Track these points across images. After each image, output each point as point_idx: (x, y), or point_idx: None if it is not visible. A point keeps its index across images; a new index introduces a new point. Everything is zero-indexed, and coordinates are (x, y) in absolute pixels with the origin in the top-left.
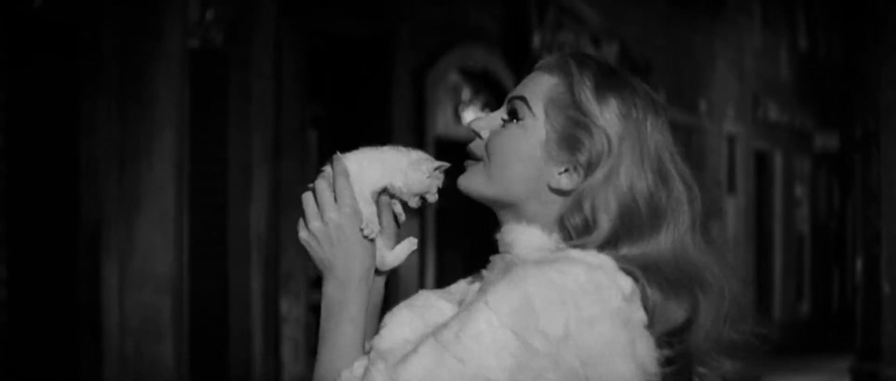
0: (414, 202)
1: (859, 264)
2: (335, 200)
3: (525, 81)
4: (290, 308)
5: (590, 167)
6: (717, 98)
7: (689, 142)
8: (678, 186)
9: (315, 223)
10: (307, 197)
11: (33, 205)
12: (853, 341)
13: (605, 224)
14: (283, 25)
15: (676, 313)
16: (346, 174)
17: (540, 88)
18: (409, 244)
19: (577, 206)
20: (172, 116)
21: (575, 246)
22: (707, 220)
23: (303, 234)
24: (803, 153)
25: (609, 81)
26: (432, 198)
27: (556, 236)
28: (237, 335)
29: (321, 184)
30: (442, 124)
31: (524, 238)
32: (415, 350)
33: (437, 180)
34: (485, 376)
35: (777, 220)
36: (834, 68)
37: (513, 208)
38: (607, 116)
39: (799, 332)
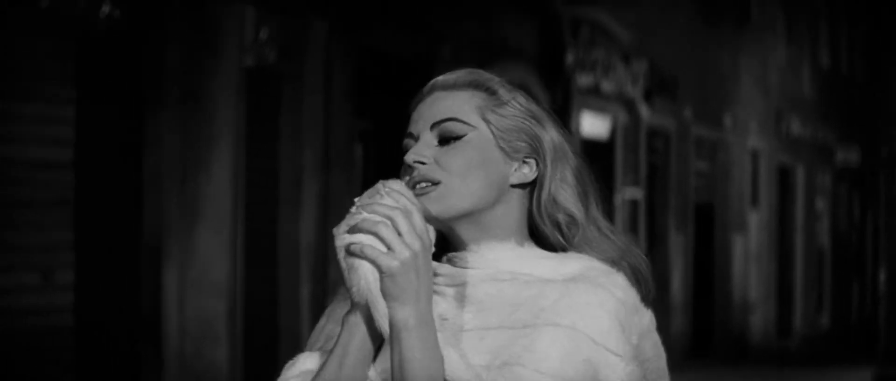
0: None
1: (882, 275)
2: (415, 227)
3: (432, 105)
4: None
5: (539, 155)
6: (741, 113)
7: (714, 156)
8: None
9: (406, 254)
10: (383, 227)
11: (100, 215)
12: (873, 351)
13: (576, 205)
14: (333, 44)
15: (638, 266)
16: (416, 206)
17: (460, 104)
18: None
19: (551, 199)
20: (229, 130)
21: (560, 246)
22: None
23: (395, 265)
24: (825, 168)
25: (502, 81)
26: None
27: (528, 244)
28: (287, 338)
29: (381, 225)
30: None
31: (507, 253)
32: None
33: None
34: None
35: (798, 233)
36: (855, 85)
37: (480, 221)
38: (524, 103)
39: (819, 343)
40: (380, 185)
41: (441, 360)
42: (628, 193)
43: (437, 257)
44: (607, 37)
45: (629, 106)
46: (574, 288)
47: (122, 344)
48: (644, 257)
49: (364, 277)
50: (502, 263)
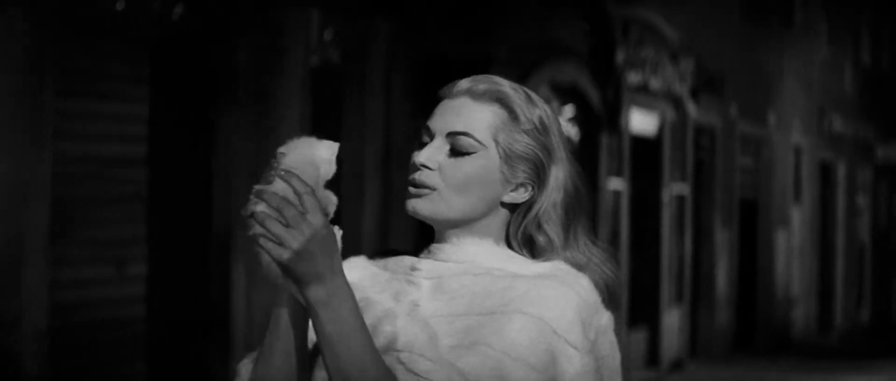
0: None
1: None
2: (303, 213)
3: (456, 111)
4: None
5: (539, 178)
6: (785, 111)
7: (758, 153)
8: (578, 173)
9: (298, 241)
10: (273, 223)
11: (172, 210)
12: None
13: (560, 233)
14: (395, 46)
15: (603, 280)
16: (306, 185)
17: (479, 119)
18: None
19: (536, 224)
20: (296, 128)
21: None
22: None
23: (285, 256)
24: (865, 164)
25: (529, 97)
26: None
27: (502, 245)
28: None
29: (284, 205)
30: None
31: (484, 251)
32: (492, 364)
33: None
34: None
35: (839, 229)
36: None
37: (468, 224)
38: (542, 128)
39: (859, 338)
40: (274, 161)
41: (362, 327)
42: (675, 188)
43: (420, 244)
44: (656, 36)
45: (677, 103)
46: (542, 283)
47: (192, 333)
48: (613, 268)
49: (266, 263)
50: (479, 258)
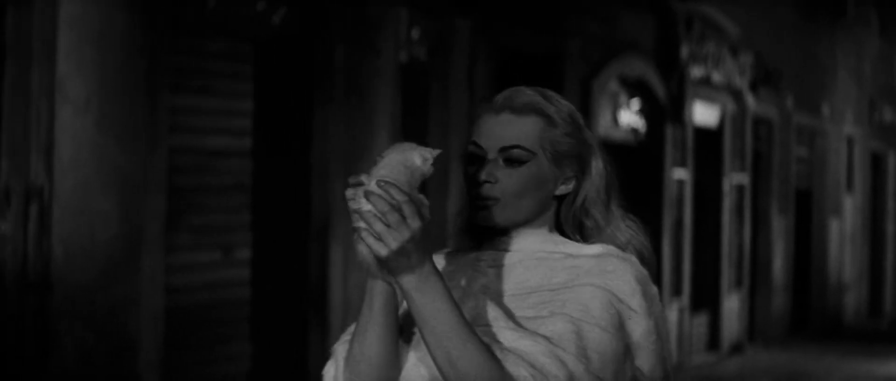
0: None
1: None
2: (404, 217)
3: (503, 127)
4: None
5: (582, 169)
6: (837, 102)
7: (812, 143)
8: (612, 166)
9: (397, 242)
10: (375, 221)
11: (274, 198)
12: None
13: (603, 215)
14: (476, 42)
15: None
16: (400, 190)
17: (525, 130)
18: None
19: (583, 210)
20: (387, 122)
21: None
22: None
23: (384, 252)
24: None
25: (557, 101)
26: (426, 176)
27: (554, 231)
28: None
29: (385, 207)
30: (603, 127)
31: (539, 238)
32: (573, 332)
33: (432, 166)
34: (626, 341)
35: (890, 218)
36: None
37: (529, 221)
38: (576, 127)
39: None
40: (376, 161)
41: (454, 305)
42: (735, 178)
43: (481, 238)
44: (717, 31)
45: (736, 96)
46: (604, 260)
47: (292, 314)
48: (646, 243)
49: (364, 253)
50: (536, 245)
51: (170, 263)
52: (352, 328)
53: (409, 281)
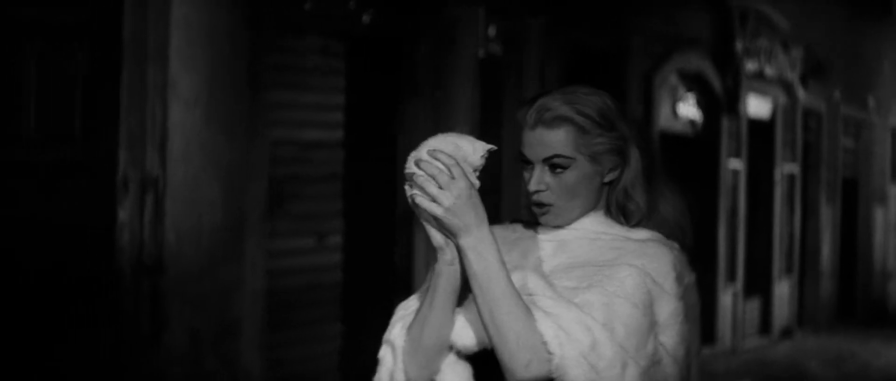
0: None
1: None
2: (453, 177)
3: (538, 142)
4: None
5: (623, 158)
6: (883, 95)
7: (859, 135)
8: (651, 145)
9: (449, 200)
10: (430, 184)
11: (363, 187)
12: None
13: (643, 198)
14: (547, 39)
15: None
16: (455, 161)
17: (559, 140)
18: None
19: (626, 195)
20: (466, 115)
21: (635, 225)
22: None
23: (440, 211)
24: None
25: (585, 103)
26: (479, 170)
27: (606, 215)
28: None
29: (437, 171)
30: (663, 119)
31: (596, 220)
32: (604, 303)
33: (483, 158)
34: (653, 318)
35: None
36: None
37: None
38: (605, 123)
39: None
40: (425, 146)
41: (503, 268)
42: (786, 168)
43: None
44: (770, 26)
45: (787, 89)
46: (646, 244)
47: (380, 296)
48: (685, 221)
49: (425, 218)
50: (592, 226)
51: (270, 248)
52: (404, 311)
53: (465, 240)
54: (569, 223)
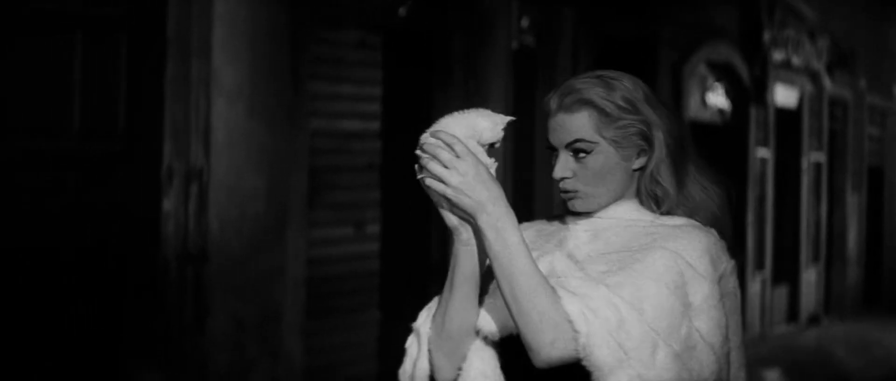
0: (497, 145)
1: None
2: (457, 155)
3: (560, 128)
4: None
5: (649, 144)
6: None
7: (884, 123)
8: (677, 120)
9: (456, 178)
10: (432, 164)
11: (401, 177)
12: None
13: (672, 183)
14: (579, 30)
15: (721, 229)
16: (457, 138)
17: (581, 125)
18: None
19: (654, 181)
20: (500, 106)
21: (661, 210)
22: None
23: (449, 191)
24: None
25: (606, 86)
26: (499, 143)
27: (638, 202)
28: None
29: (440, 152)
30: (693, 109)
31: (629, 208)
32: (630, 281)
33: (500, 127)
34: (686, 300)
35: None
36: None
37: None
38: (629, 107)
39: None
40: (435, 127)
41: (522, 244)
42: (813, 157)
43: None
44: (796, 17)
45: (814, 78)
46: (680, 229)
47: (417, 284)
48: (719, 206)
49: (434, 197)
50: (627, 213)
51: (310, 237)
52: (434, 302)
53: (482, 219)
54: (599, 209)
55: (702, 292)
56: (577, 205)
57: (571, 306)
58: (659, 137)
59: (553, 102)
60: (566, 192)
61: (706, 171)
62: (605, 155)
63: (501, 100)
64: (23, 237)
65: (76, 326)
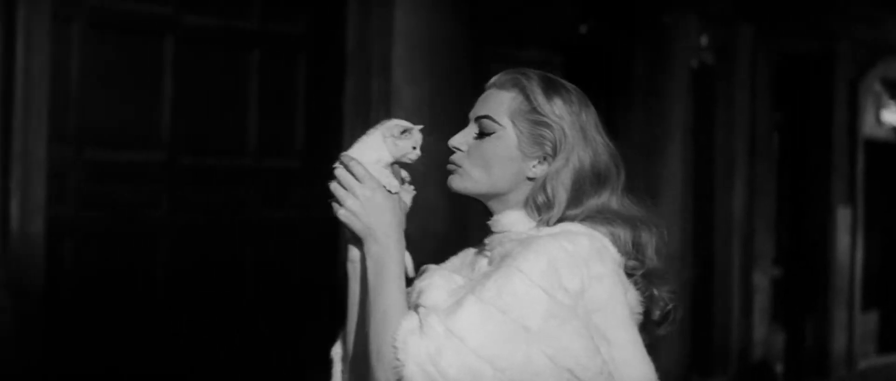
0: (410, 158)
1: None
2: (358, 180)
3: (483, 99)
4: (760, 280)
5: (553, 155)
6: None
7: None
8: (609, 159)
9: (350, 201)
10: (334, 186)
11: None
12: None
13: (563, 198)
14: (757, 46)
15: (624, 237)
16: (357, 161)
17: (499, 103)
18: (408, 190)
19: (542, 187)
20: (680, 122)
21: (541, 220)
22: (629, 182)
23: (342, 213)
24: None
25: (551, 86)
26: (413, 156)
27: (534, 214)
28: (720, 300)
29: (342, 173)
30: (868, 126)
31: (516, 220)
32: (460, 305)
33: (411, 140)
34: (523, 324)
35: None
36: None
37: (499, 197)
38: (558, 112)
39: None
40: (343, 156)
41: (395, 285)
42: None
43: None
44: None
45: None
46: (535, 238)
47: None
48: (654, 229)
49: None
50: (516, 226)
51: None
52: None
53: (368, 246)
54: (470, 193)
55: (539, 306)
56: (452, 181)
57: (415, 348)
58: (568, 157)
59: (495, 76)
60: (450, 163)
61: (628, 199)
62: (504, 143)
63: (681, 116)
64: (202, 254)
65: (254, 336)
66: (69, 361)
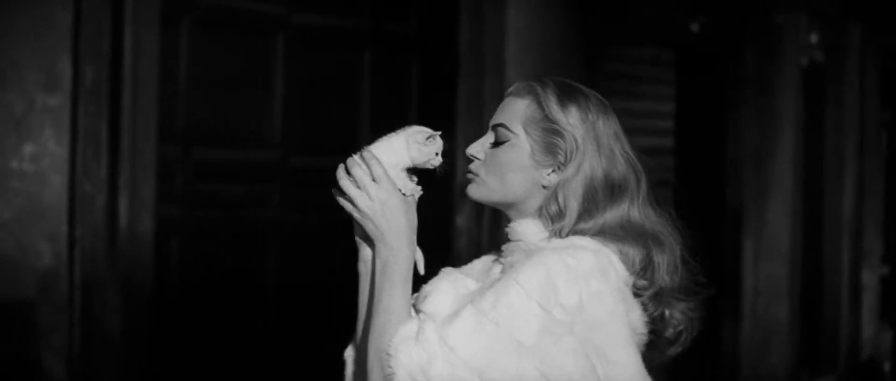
0: (433, 164)
1: None
2: (374, 180)
3: (501, 107)
4: (869, 279)
5: (566, 164)
6: None
7: None
8: (626, 169)
9: (363, 201)
10: (346, 183)
11: (693, 191)
12: None
13: (574, 208)
14: (865, 45)
15: (634, 255)
16: (378, 160)
17: (514, 111)
18: (418, 190)
19: (554, 196)
20: (790, 122)
21: (554, 230)
22: (652, 193)
23: (355, 214)
24: None
25: (567, 94)
26: (436, 162)
27: (547, 223)
28: (829, 299)
29: (358, 171)
30: None
31: (531, 229)
32: (457, 315)
33: (434, 146)
34: (516, 337)
35: None
36: None
37: (515, 206)
38: (571, 121)
39: None
40: (355, 157)
41: (400, 291)
42: None
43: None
44: None
45: None
46: (539, 251)
47: (705, 300)
48: (669, 247)
49: (346, 212)
50: (530, 236)
51: None
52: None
53: (378, 250)
54: (482, 201)
55: (534, 321)
56: (470, 189)
57: (408, 357)
58: (580, 166)
59: (515, 84)
60: (468, 172)
61: (652, 217)
62: (518, 151)
63: (791, 115)
64: (312, 254)
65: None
66: (177, 361)
